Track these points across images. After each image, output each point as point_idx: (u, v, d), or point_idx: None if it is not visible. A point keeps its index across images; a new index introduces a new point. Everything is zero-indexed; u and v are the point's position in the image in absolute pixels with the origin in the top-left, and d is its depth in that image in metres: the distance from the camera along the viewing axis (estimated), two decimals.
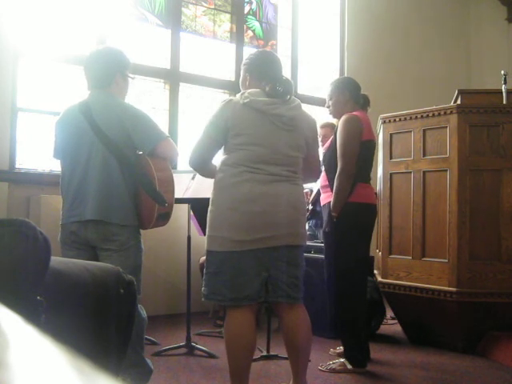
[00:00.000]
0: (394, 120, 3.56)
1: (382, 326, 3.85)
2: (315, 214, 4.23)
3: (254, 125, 2.19)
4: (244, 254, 2.15)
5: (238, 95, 2.25)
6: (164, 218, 2.36)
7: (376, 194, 3.50)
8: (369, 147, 3.01)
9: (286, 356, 3.02)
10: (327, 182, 2.99)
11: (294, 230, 2.24)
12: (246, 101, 2.18)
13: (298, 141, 2.27)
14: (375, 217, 3.11)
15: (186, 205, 3.36)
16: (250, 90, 2.25)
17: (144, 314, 2.37)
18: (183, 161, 4.62)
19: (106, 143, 2.30)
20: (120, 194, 2.31)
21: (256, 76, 2.33)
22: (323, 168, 3.07)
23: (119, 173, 2.31)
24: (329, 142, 3.11)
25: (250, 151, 2.18)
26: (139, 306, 2.32)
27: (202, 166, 2.31)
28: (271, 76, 2.30)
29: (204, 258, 4.14)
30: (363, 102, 3.16)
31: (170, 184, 2.36)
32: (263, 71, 2.33)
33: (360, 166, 2.92)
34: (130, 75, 2.55)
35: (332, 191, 2.91)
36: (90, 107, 2.36)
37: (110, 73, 2.43)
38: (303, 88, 5.48)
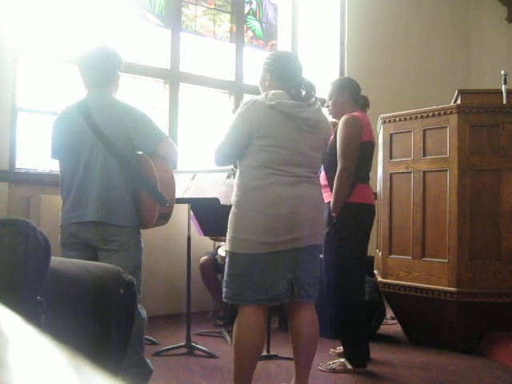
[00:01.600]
0: (394, 120, 3.56)
1: (382, 326, 3.85)
2: None
3: (279, 127, 2.20)
4: (270, 256, 2.17)
5: (262, 96, 2.23)
6: (164, 217, 2.36)
7: (376, 194, 3.50)
8: (368, 148, 3.01)
9: (286, 356, 3.04)
10: (326, 182, 2.99)
11: (316, 229, 2.30)
12: (272, 103, 2.18)
13: (319, 142, 2.32)
14: (374, 217, 3.12)
15: (186, 205, 3.36)
16: (273, 92, 2.23)
17: (144, 313, 2.37)
18: (183, 161, 4.63)
19: (106, 144, 2.30)
20: (120, 195, 2.31)
21: (277, 77, 2.32)
22: (322, 168, 3.07)
23: (119, 174, 2.31)
24: (328, 142, 3.11)
25: (275, 153, 2.19)
26: (139, 306, 2.32)
27: (225, 165, 2.38)
28: (293, 78, 2.31)
29: (205, 257, 4.18)
30: (363, 103, 3.16)
31: (170, 184, 2.36)
32: (285, 73, 2.32)
33: (359, 166, 2.92)
34: (121, 73, 2.55)
35: (331, 191, 2.92)
36: (89, 107, 2.35)
37: (109, 72, 2.43)
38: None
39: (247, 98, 5.13)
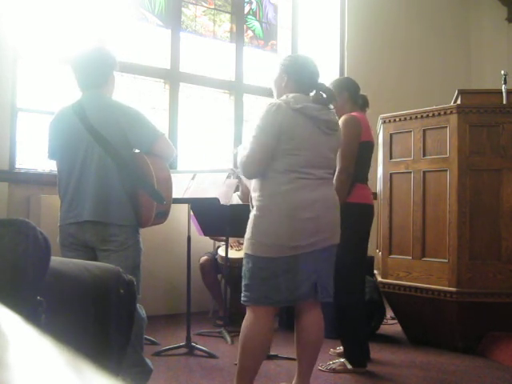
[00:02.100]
0: (394, 120, 3.56)
1: (382, 326, 3.85)
2: None
3: (303, 130, 2.23)
4: (298, 258, 2.20)
5: (283, 99, 2.23)
6: (162, 215, 2.36)
7: (376, 194, 3.50)
8: (367, 148, 3.01)
9: (286, 356, 3.04)
10: None
11: (336, 230, 2.34)
12: (298, 106, 2.21)
13: (335, 144, 2.37)
14: (373, 217, 3.12)
15: (186, 205, 3.36)
16: (293, 95, 2.26)
17: (143, 313, 2.37)
18: (183, 161, 4.63)
19: (102, 144, 2.30)
20: (117, 194, 2.31)
21: (295, 79, 2.33)
22: None
23: (116, 173, 2.31)
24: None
25: (300, 156, 2.21)
26: (138, 305, 2.32)
27: (259, 175, 2.25)
28: (311, 82, 2.34)
29: (205, 257, 4.18)
30: (362, 103, 3.17)
31: (167, 182, 2.36)
32: (303, 75, 2.34)
33: (358, 166, 2.92)
34: (116, 73, 2.55)
35: None
36: (84, 108, 2.35)
37: (105, 73, 2.44)
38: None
39: (247, 98, 5.16)
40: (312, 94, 2.32)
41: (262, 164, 2.21)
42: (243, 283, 2.26)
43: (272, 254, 2.18)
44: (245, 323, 2.26)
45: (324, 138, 2.28)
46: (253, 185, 2.31)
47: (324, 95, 2.31)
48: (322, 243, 2.25)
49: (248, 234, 2.24)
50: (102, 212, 2.29)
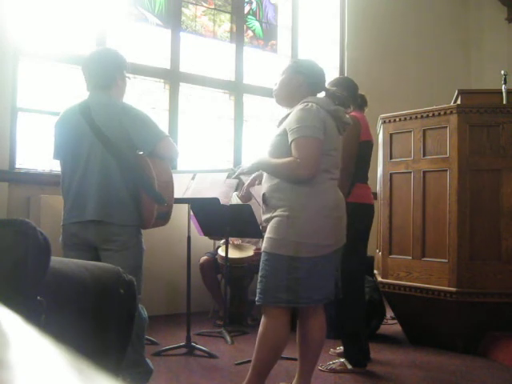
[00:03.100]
0: (394, 120, 3.56)
1: (382, 326, 3.85)
2: None
3: (333, 131, 2.27)
4: (327, 257, 2.23)
5: (312, 101, 2.25)
6: (164, 217, 2.36)
7: (376, 194, 3.50)
8: (366, 148, 3.02)
9: (287, 356, 3.04)
10: None
11: (346, 228, 2.40)
12: (332, 108, 2.27)
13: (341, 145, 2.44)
14: (373, 216, 3.12)
15: (186, 205, 3.36)
16: (318, 98, 2.32)
17: (145, 314, 2.38)
18: (183, 161, 4.63)
19: (106, 144, 2.31)
20: (120, 195, 2.31)
21: (309, 80, 2.36)
22: None
23: (118, 173, 2.31)
24: None
25: (332, 157, 2.26)
26: (140, 306, 2.32)
27: (316, 174, 2.19)
28: (323, 84, 2.42)
29: (205, 257, 4.18)
30: (360, 102, 3.17)
31: (169, 183, 2.36)
32: (316, 77, 2.40)
33: (358, 166, 2.93)
34: (128, 75, 2.56)
35: None
36: (90, 108, 2.36)
37: (112, 74, 2.44)
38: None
39: (247, 98, 5.16)
40: (325, 95, 2.39)
41: (319, 162, 2.18)
42: (268, 285, 2.20)
43: (310, 254, 2.17)
44: (269, 325, 2.23)
45: (339, 138, 2.36)
46: (272, 185, 2.25)
47: (338, 98, 2.36)
48: (341, 242, 2.31)
49: (278, 235, 2.18)
50: (104, 212, 2.29)
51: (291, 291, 2.18)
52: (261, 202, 2.33)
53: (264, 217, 2.30)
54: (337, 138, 2.31)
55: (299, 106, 2.24)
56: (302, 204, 2.19)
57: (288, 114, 2.32)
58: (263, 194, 2.30)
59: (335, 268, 2.31)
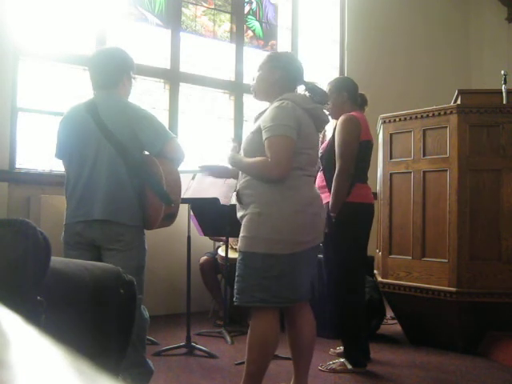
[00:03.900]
0: (394, 120, 3.56)
1: (382, 326, 3.85)
2: None
3: (309, 128, 2.24)
4: (303, 255, 2.19)
5: (288, 98, 2.21)
6: (169, 218, 2.35)
7: (376, 194, 3.50)
8: (366, 147, 3.01)
9: (286, 356, 3.04)
10: (325, 183, 2.99)
11: (323, 228, 2.38)
12: (309, 106, 2.24)
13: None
14: (373, 216, 3.12)
15: (186, 205, 3.36)
16: (296, 95, 2.28)
17: (146, 314, 2.38)
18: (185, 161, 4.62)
19: (114, 143, 2.30)
20: (127, 194, 2.30)
21: (289, 78, 2.32)
22: (321, 168, 3.07)
23: (126, 173, 2.30)
24: (326, 141, 3.11)
25: (307, 155, 2.23)
26: (142, 306, 2.32)
27: (287, 174, 2.16)
28: (300, 78, 2.36)
29: (205, 257, 4.18)
30: (361, 102, 3.17)
31: (176, 184, 2.36)
32: (293, 72, 2.34)
33: (358, 166, 2.92)
34: (134, 76, 2.55)
35: (329, 191, 2.92)
36: (97, 107, 2.35)
37: (118, 74, 2.43)
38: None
39: (247, 98, 5.15)
40: (304, 91, 2.33)
41: (291, 162, 2.15)
42: (244, 284, 2.16)
43: (284, 250, 2.14)
44: (257, 327, 2.20)
45: (317, 136, 2.34)
46: (244, 181, 2.22)
47: (318, 94, 2.31)
48: (317, 240, 2.28)
49: (250, 232, 2.16)
50: (112, 211, 2.28)
51: (267, 290, 2.13)
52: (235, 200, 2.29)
53: (238, 214, 2.25)
54: (314, 136, 2.28)
55: (275, 104, 2.21)
56: (273, 200, 2.15)
57: (264, 111, 2.30)
58: (237, 192, 2.26)
59: (311, 267, 2.27)
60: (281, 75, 2.30)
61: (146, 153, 2.39)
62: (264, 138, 2.16)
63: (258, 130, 2.20)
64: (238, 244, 2.23)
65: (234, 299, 2.21)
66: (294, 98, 2.24)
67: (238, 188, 2.27)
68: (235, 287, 2.20)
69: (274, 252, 2.13)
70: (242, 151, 2.30)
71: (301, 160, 2.20)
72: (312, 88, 2.33)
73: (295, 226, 2.16)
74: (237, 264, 2.21)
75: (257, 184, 2.18)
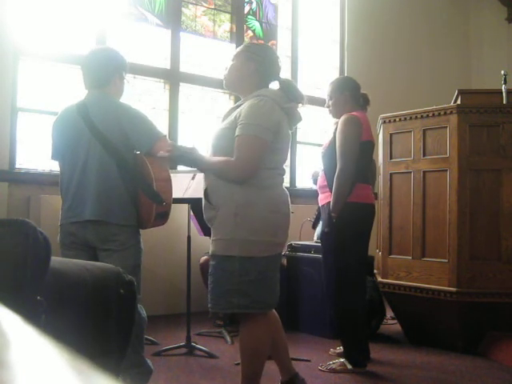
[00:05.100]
0: (394, 120, 3.56)
1: (382, 326, 3.85)
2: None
3: (285, 128, 2.17)
4: (276, 258, 2.15)
5: (267, 95, 2.12)
6: (162, 217, 2.36)
7: (376, 194, 3.50)
8: (367, 148, 3.01)
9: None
10: (325, 183, 2.99)
11: None
12: (287, 106, 2.16)
13: None
14: (374, 216, 3.12)
15: (186, 205, 3.36)
16: (274, 92, 2.18)
17: (144, 314, 2.38)
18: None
19: (104, 144, 2.31)
20: (119, 194, 2.31)
21: (264, 72, 2.22)
22: (322, 168, 3.07)
23: (117, 173, 2.31)
24: (327, 141, 3.11)
25: (283, 155, 2.19)
26: (139, 306, 2.32)
27: (254, 175, 2.08)
28: (276, 73, 2.27)
29: (205, 257, 4.16)
30: (363, 101, 3.16)
31: (167, 183, 2.35)
32: (269, 66, 2.24)
33: (358, 166, 2.92)
34: (126, 77, 2.56)
35: (330, 191, 2.91)
36: (88, 108, 2.36)
37: (109, 73, 2.44)
38: (303, 88, 5.46)
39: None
40: (279, 86, 2.24)
41: (257, 164, 2.06)
42: (220, 289, 2.06)
43: (262, 253, 2.05)
44: (250, 332, 2.15)
45: (290, 135, 2.25)
46: (215, 179, 2.10)
47: (293, 92, 2.22)
48: (286, 242, 2.26)
49: (225, 235, 2.05)
50: (103, 211, 2.29)
51: (244, 295, 2.04)
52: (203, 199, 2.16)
53: (207, 215, 2.12)
54: (288, 135, 2.21)
55: (253, 101, 2.09)
56: (249, 200, 2.05)
57: (236, 106, 2.20)
58: (205, 190, 2.13)
59: (278, 271, 2.18)
60: (256, 68, 2.19)
61: (137, 152, 2.39)
62: (236, 134, 2.06)
63: (231, 126, 2.09)
64: (211, 248, 2.11)
65: (209, 306, 2.11)
66: (273, 95, 2.13)
67: (205, 186, 2.14)
68: (209, 293, 2.11)
69: (251, 255, 2.04)
70: (210, 148, 2.18)
71: (277, 160, 2.14)
72: (287, 85, 2.23)
73: (271, 226, 2.08)
74: (210, 269, 2.12)
75: (228, 183, 2.07)
